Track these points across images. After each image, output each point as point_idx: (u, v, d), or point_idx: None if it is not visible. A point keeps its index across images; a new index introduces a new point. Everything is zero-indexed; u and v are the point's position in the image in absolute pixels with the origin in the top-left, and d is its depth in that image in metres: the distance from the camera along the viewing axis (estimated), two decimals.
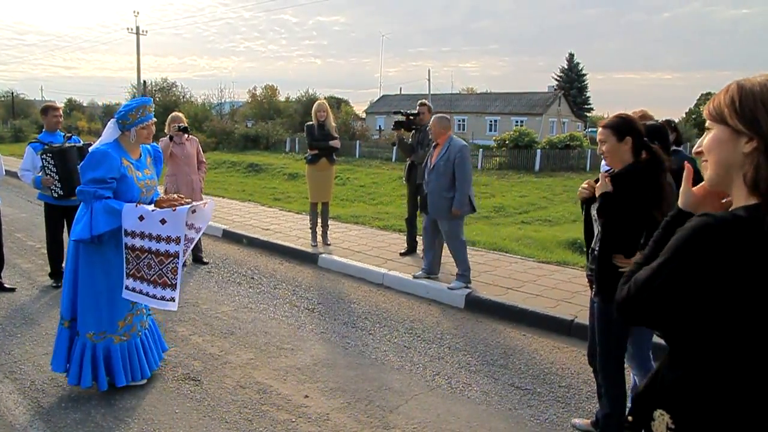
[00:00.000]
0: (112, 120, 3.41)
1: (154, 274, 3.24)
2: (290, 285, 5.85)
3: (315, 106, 7.10)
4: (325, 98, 45.47)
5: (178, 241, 3.19)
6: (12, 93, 55.02)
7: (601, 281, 2.72)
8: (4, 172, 5.38)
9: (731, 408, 1.22)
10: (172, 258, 3.20)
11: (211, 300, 5.31)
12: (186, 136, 6.34)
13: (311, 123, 7.00)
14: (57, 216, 5.62)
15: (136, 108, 3.34)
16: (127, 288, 3.30)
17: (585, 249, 3.04)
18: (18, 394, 3.43)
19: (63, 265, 5.74)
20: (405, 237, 6.99)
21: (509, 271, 6.06)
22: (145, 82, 35.07)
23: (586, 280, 3.00)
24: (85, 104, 68.65)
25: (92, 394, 3.44)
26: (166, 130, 6.40)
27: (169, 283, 3.23)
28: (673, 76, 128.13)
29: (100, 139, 3.45)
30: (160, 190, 4.14)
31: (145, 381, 3.55)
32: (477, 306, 5.16)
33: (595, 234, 2.79)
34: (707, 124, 1.29)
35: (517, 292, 5.33)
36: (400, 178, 10.89)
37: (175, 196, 3.47)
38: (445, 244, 5.74)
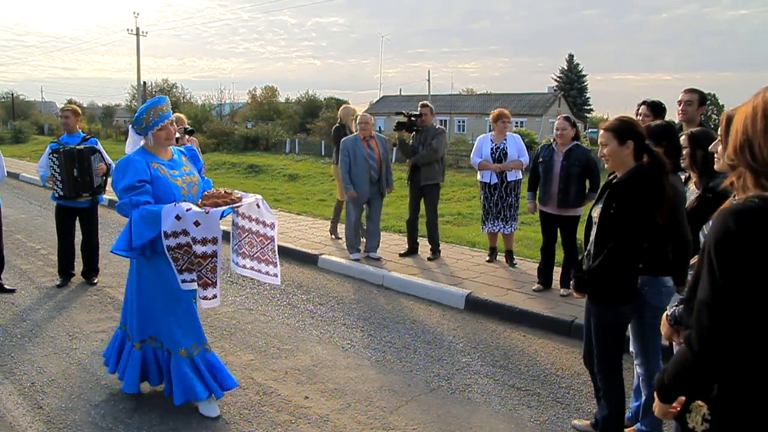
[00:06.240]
0: (130, 127, 3.29)
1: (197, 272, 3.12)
2: (290, 286, 5.85)
3: (361, 117, 6.55)
4: (324, 99, 45.30)
5: (215, 241, 3.06)
6: (12, 94, 54.98)
7: (596, 284, 2.71)
8: (5, 173, 5.39)
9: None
10: (210, 258, 3.07)
11: None
12: (186, 137, 6.37)
13: (349, 135, 6.65)
14: (65, 216, 5.67)
15: (148, 110, 3.17)
16: (184, 282, 3.15)
17: (584, 250, 3.02)
18: (18, 395, 3.43)
19: (72, 267, 5.79)
20: (405, 238, 6.99)
21: (509, 272, 6.06)
22: (145, 83, 35.08)
23: (573, 281, 2.91)
24: (85, 105, 68.56)
25: (92, 395, 3.44)
26: None
27: (210, 282, 3.11)
28: (672, 77, 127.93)
29: (126, 151, 3.32)
30: None
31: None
32: (477, 307, 5.16)
33: (592, 236, 2.77)
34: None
35: (517, 293, 5.33)
36: (400, 179, 10.87)
37: (223, 191, 3.27)
38: (369, 223, 6.61)
